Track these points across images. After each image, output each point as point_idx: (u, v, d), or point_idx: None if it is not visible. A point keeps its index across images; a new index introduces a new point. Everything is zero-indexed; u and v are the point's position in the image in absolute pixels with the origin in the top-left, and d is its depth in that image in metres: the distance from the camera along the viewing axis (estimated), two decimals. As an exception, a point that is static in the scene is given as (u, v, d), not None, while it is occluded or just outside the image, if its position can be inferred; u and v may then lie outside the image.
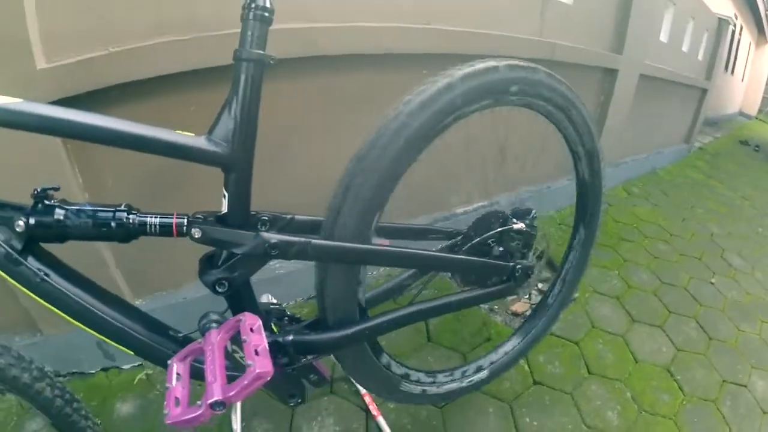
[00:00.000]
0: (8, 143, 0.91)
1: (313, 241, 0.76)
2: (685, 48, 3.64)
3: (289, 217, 0.88)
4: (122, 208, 0.69)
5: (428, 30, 1.54)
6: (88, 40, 1.00)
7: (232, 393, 0.63)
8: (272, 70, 0.72)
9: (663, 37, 3.17)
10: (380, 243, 0.83)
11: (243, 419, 1.22)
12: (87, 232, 0.67)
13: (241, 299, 0.82)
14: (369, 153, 0.75)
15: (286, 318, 0.94)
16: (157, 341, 0.77)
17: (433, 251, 1.00)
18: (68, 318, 0.70)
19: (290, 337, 0.83)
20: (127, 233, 0.69)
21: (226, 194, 0.74)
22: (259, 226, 0.84)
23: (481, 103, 0.82)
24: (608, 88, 2.53)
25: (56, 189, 0.67)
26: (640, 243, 2.46)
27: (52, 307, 0.69)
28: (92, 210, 0.67)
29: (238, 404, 1.15)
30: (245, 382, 0.63)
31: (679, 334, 1.76)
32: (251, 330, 0.70)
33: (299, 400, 0.91)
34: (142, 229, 0.69)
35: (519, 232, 1.03)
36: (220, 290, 0.75)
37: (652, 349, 1.66)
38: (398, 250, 0.85)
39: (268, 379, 0.65)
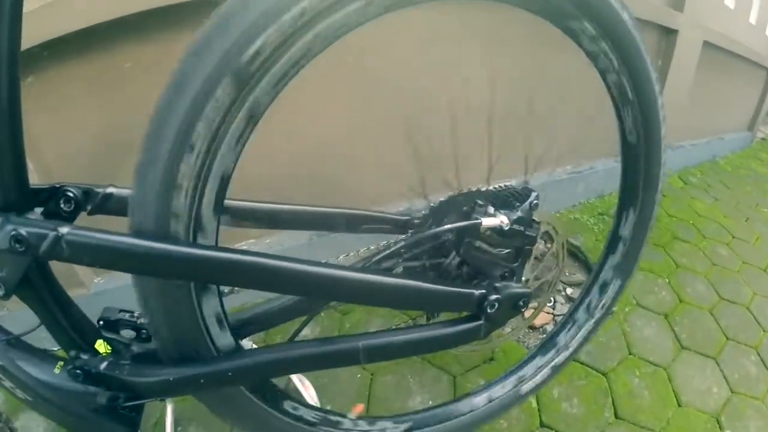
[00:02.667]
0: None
1: (65, 231, 0.42)
2: (752, 19, 3.00)
3: (105, 191, 0.54)
4: None
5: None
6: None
7: None
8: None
9: (728, 1, 2.60)
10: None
11: (178, 425, 1.06)
12: None
13: (42, 303, 0.54)
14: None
15: (136, 335, 0.61)
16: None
17: (325, 264, 0.51)
18: None
19: (102, 367, 0.54)
20: None
21: None
22: (56, 206, 0.53)
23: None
24: (667, 52, 2.03)
25: None
26: (697, 245, 1.96)
27: None
28: None
29: (170, 409, 0.95)
30: None
31: (736, 368, 1.31)
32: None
33: None
34: None
35: (498, 232, 0.63)
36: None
37: (700, 388, 1.23)
38: (244, 259, 0.46)
39: None
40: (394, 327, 0.65)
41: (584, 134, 1.74)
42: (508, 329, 1.07)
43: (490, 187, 0.67)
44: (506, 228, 0.63)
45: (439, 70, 1.36)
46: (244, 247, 1.32)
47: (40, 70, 0.94)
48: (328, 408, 0.75)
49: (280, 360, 0.53)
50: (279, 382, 1.17)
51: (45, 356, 0.57)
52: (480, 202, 0.64)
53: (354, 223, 0.67)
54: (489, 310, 0.63)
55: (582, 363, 1.27)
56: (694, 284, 1.66)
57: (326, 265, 0.49)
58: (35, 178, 1.04)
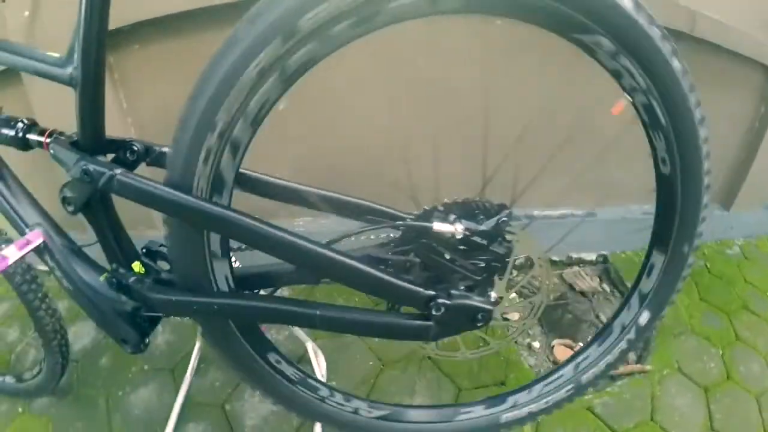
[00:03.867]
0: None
1: (119, 173, 0.60)
2: None
3: (161, 149, 0.74)
4: (24, 120, 0.76)
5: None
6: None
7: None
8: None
9: None
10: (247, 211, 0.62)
11: (201, 362, 1.31)
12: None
13: (98, 224, 0.75)
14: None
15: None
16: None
17: (296, 234, 0.63)
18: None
19: (130, 280, 0.73)
20: (23, 143, 0.75)
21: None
22: (124, 155, 0.73)
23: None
24: (773, 97, 1.83)
25: None
26: None
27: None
28: (4, 119, 0.77)
29: (197, 347, 1.24)
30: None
31: (762, 471, 1.21)
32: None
33: (131, 350, 0.78)
34: (25, 141, 0.75)
35: (456, 240, 0.68)
36: (68, 209, 0.69)
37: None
38: (245, 221, 0.60)
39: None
40: (352, 306, 0.74)
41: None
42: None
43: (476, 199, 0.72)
44: (458, 237, 0.68)
45: (505, 81, 1.37)
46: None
47: (145, 41, 1.18)
48: (312, 374, 0.88)
49: (250, 306, 0.69)
50: (296, 348, 1.34)
51: (96, 266, 0.77)
52: (441, 208, 0.70)
53: (358, 211, 0.78)
54: (434, 312, 0.69)
55: (595, 414, 1.25)
56: (749, 363, 1.54)
57: (297, 235, 0.62)
58: (133, 131, 1.29)
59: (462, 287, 0.71)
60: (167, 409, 1.22)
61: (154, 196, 0.59)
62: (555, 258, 1.81)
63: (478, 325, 0.73)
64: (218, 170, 0.60)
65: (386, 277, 0.66)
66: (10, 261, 0.70)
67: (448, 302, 0.69)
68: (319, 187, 0.78)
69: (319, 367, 1.28)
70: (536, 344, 1.47)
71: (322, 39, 0.54)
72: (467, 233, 0.68)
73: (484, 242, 0.69)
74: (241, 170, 0.65)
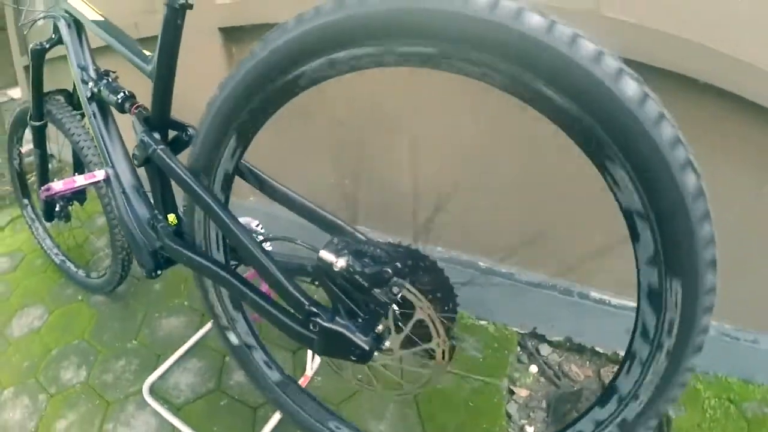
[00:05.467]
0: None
1: (160, 149, 0.89)
2: None
3: None
4: (126, 92, 1.11)
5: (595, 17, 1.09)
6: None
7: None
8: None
9: None
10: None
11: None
12: (108, 99, 1.12)
13: (153, 178, 1.05)
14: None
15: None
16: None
17: (241, 227, 0.82)
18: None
19: (160, 226, 1.02)
20: (121, 108, 1.09)
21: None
22: (181, 135, 1.01)
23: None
24: None
25: (114, 72, 1.19)
26: None
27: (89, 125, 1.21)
28: (114, 87, 1.13)
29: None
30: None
31: None
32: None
33: (145, 274, 1.07)
34: (122, 107, 1.09)
35: (339, 275, 0.76)
36: (135, 161, 1.00)
37: None
38: (214, 208, 0.81)
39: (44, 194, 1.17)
40: (272, 299, 0.88)
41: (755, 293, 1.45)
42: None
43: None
44: (336, 269, 0.76)
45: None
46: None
47: (243, 44, 1.50)
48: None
49: (213, 271, 0.91)
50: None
51: (149, 207, 1.09)
52: (337, 242, 0.80)
53: (331, 228, 0.94)
54: (311, 328, 0.79)
55: None
56: None
57: (241, 227, 0.82)
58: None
59: (355, 319, 0.80)
60: (183, 340, 1.57)
61: (173, 172, 0.86)
62: (599, 350, 1.74)
63: (352, 358, 0.79)
64: (219, 163, 0.81)
65: (281, 279, 0.80)
66: (75, 185, 1.07)
67: (323, 324, 0.78)
68: (304, 197, 0.98)
69: (312, 360, 1.49)
70: (530, 429, 1.45)
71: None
72: (350, 270, 0.76)
73: (363, 282, 0.76)
74: (243, 162, 0.89)
